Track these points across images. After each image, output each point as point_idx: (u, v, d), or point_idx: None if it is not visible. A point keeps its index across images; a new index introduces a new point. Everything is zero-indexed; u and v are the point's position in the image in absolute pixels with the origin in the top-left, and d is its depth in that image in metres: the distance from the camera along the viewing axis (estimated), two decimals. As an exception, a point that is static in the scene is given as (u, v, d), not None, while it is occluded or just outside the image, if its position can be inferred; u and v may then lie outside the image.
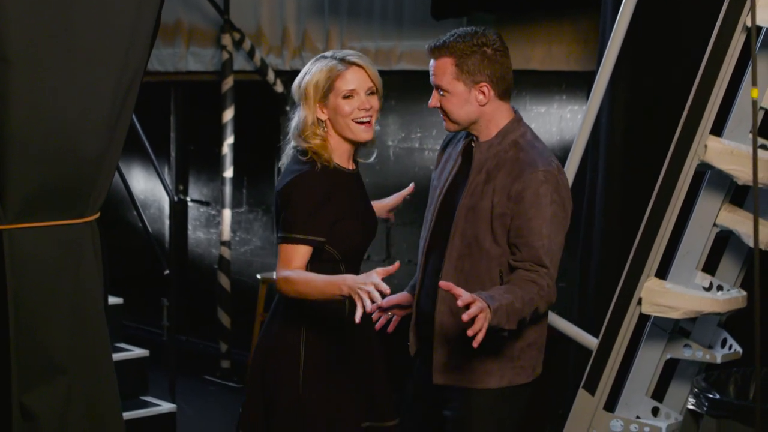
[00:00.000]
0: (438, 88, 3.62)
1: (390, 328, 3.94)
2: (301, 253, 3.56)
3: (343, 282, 3.36)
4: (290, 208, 3.57)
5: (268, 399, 3.67)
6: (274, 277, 3.62)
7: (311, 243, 3.56)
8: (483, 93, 3.60)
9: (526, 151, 3.61)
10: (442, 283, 3.33)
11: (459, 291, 3.27)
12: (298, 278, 3.50)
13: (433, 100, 3.65)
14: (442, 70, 3.59)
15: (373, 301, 3.24)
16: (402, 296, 3.93)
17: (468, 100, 3.60)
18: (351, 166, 3.74)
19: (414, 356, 3.86)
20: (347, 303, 3.61)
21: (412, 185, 4.14)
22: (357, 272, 3.72)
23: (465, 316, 3.24)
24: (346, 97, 3.61)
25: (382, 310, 3.88)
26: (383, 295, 3.30)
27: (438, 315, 3.64)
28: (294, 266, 3.54)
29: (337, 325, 3.69)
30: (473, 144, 3.71)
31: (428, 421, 3.84)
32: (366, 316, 3.59)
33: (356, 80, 3.62)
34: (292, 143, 3.70)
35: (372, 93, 3.65)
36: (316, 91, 3.62)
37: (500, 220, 3.56)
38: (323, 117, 3.65)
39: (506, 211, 3.55)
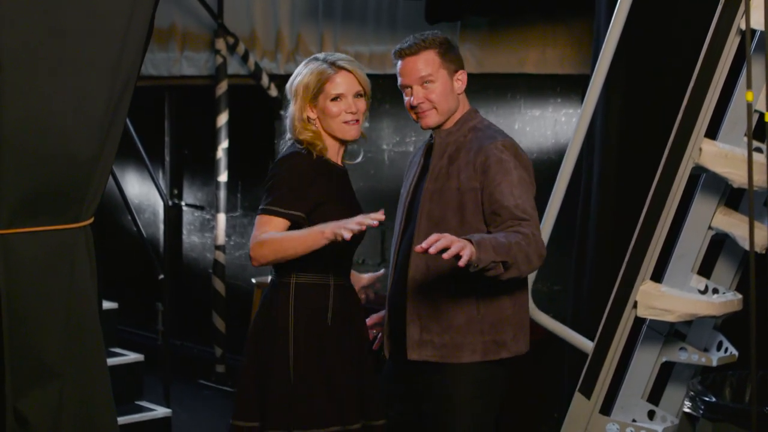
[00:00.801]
0: (422, 81, 3.75)
1: (375, 346, 4.01)
2: (276, 224, 3.62)
3: (324, 226, 3.46)
4: (274, 181, 3.68)
5: (260, 386, 3.72)
6: (249, 249, 3.66)
7: (289, 217, 3.64)
8: (460, 80, 3.82)
9: (483, 131, 3.80)
10: (417, 248, 3.35)
11: (432, 237, 3.31)
12: (273, 237, 3.57)
13: (417, 97, 3.76)
14: (427, 61, 3.75)
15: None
16: (382, 314, 4.01)
17: (451, 89, 3.80)
18: (340, 163, 3.85)
19: (389, 359, 3.93)
20: (330, 308, 3.71)
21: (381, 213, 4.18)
22: (348, 264, 3.83)
23: (434, 248, 3.28)
24: (333, 99, 3.75)
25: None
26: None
27: (410, 293, 3.73)
28: (267, 230, 3.61)
29: (325, 316, 3.74)
30: (432, 137, 3.86)
31: (404, 419, 3.90)
32: (355, 317, 3.78)
33: (345, 84, 3.75)
34: (288, 135, 3.82)
35: (359, 96, 3.79)
36: (306, 92, 3.76)
37: (471, 195, 3.69)
38: (312, 116, 3.78)
39: (475, 184, 3.68)
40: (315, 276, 3.72)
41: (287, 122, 3.82)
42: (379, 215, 3.42)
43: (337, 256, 3.73)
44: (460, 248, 3.29)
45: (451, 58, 3.79)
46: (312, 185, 3.67)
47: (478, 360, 3.72)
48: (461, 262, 3.30)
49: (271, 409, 3.69)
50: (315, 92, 3.74)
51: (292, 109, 3.79)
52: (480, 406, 3.75)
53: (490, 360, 3.73)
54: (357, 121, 3.76)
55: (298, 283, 3.72)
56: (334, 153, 3.81)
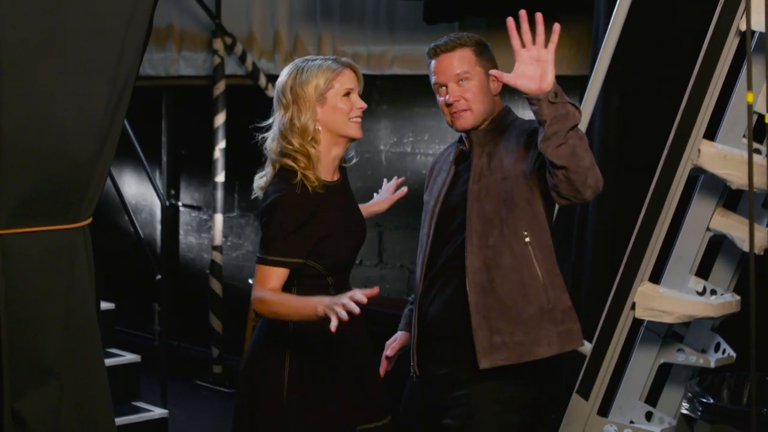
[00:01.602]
0: (458, 78, 3.65)
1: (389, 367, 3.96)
2: (278, 274, 3.52)
3: (319, 302, 3.32)
4: (269, 228, 3.53)
5: (253, 406, 3.65)
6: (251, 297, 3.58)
7: (288, 265, 3.53)
8: (496, 81, 3.68)
9: (521, 121, 3.72)
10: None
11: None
12: (273, 299, 3.48)
13: (452, 94, 3.65)
14: (462, 59, 3.66)
15: (349, 313, 3.21)
16: (403, 336, 3.95)
17: (488, 89, 3.69)
18: (336, 176, 3.70)
19: (417, 376, 3.80)
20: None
21: (404, 188, 4.13)
22: (346, 282, 3.71)
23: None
24: (345, 95, 3.60)
25: (389, 359, 3.93)
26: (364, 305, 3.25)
27: (471, 297, 3.57)
28: (269, 287, 3.51)
29: (322, 340, 3.60)
30: (466, 144, 3.75)
31: None
32: (354, 316, 3.57)
33: (353, 80, 3.63)
34: (274, 150, 3.62)
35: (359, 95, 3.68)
36: (317, 92, 3.57)
37: (519, 180, 3.57)
38: (317, 125, 3.60)
39: (522, 163, 3.56)
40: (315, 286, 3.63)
41: (275, 132, 3.62)
42: (373, 291, 3.26)
43: (336, 276, 3.66)
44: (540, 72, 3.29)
45: (487, 57, 3.71)
46: (309, 224, 3.53)
47: (555, 353, 3.58)
48: (547, 80, 3.27)
49: (262, 424, 3.63)
50: (324, 90, 3.56)
51: (302, 117, 3.56)
52: (505, 421, 3.64)
53: (566, 351, 3.61)
54: (360, 118, 3.62)
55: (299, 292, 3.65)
56: (330, 168, 3.65)
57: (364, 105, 3.64)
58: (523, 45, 3.34)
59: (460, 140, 3.80)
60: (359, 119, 3.63)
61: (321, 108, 3.57)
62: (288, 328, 3.61)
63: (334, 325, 3.22)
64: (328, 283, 3.62)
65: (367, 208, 4.05)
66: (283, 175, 3.57)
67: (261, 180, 3.70)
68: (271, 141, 3.65)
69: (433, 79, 3.70)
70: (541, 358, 3.56)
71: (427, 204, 3.80)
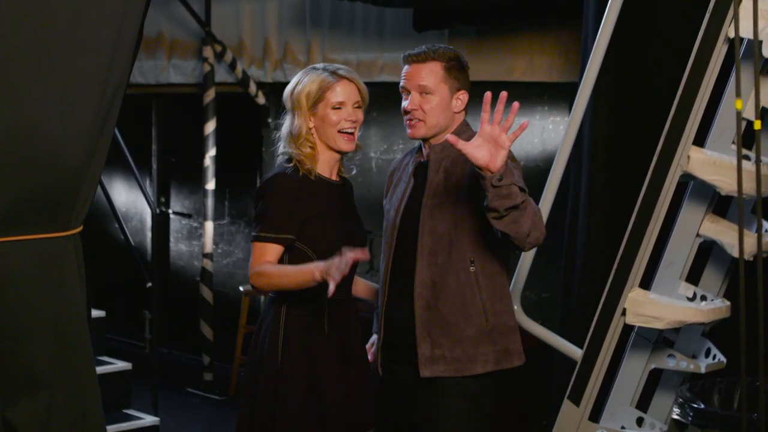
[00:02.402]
0: (421, 90, 3.75)
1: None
2: (271, 250, 3.68)
3: (315, 267, 3.47)
4: (261, 207, 3.71)
5: (255, 383, 3.75)
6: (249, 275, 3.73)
7: (280, 241, 3.67)
8: (460, 100, 3.81)
9: None
10: (449, 137, 3.41)
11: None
12: (270, 271, 3.63)
13: (412, 103, 3.75)
14: (430, 72, 3.75)
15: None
16: (378, 340, 3.97)
17: (448, 106, 3.78)
18: (334, 177, 3.84)
19: (383, 374, 3.90)
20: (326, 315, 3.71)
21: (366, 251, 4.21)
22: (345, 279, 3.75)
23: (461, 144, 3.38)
24: (334, 108, 3.75)
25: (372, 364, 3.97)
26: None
27: (417, 311, 3.72)
28: (264, 260, 3.66)
29: (318, 330, 3.74)
30: (424, 155, 3.85)
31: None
32: (349, 325, 3.78)
33: (346, 93, 3.76)
34: (281, 149, 3.81)
35: (358, 107, 3.80)
36: (308, 100, 3.75)
37: (468, 205, 3.68)
38: (311, 125, 3.77)
39: (474, 180, 3.62)
40: (310, 293, 3.67)
41: (283, 133, 3.81)
42: (365, 256, 3.45)
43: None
44: (494, 152, 3.36)
45: (457, 75, 3.78)
46: (297, 204, 3.68)
47: (491, 370, 3.72)
48: (498, 161, 3.34)
49: (258, 425, 3.70)
50: (315, 100, 3.74)
51: (296, 121, 3.77)
52: (469, 420, 3.73)
53: (502, 369, 3.74)
54: (353, 131, 3.78)
55: (292, 300, 3.73)
56: (327, 168, 3.80)
57: (355, 118, 3.78)
58: (491, 121, 3.39)
59: (419, 150, 3.90)
60: (350, 132, 3.78)
61: (314, 117, 3.77)
62: (287, 326, 3.72)
63: (331, 289, 3.39)
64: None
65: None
66: (283, 164, 3.78)
67: None
68: (284, 139, 3.83)
69: (401, 83, 3.81)
70: (478, 374, 3.70)
71: (388, 213, 3.91)
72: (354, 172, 3.96)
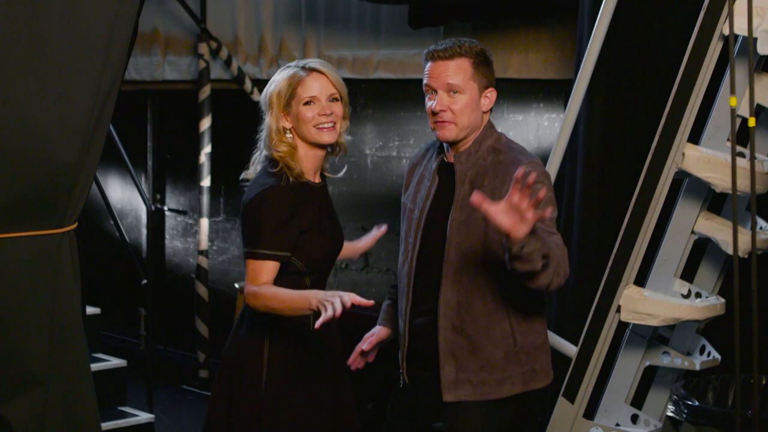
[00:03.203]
0: (450, 89, 3.56)
1: (370, 358, 3.92)
2: (269, 268, 3.55)
3: (313, 296, 3.36)
4: (257, 222, 3.56)
5: (231, 402, 3.66)
6: (244, 291, 3.61)
7: (278, 258, 3.55)
8: (488, 98, 3.63)
9: (505, 153, 3.61)
10: (474, 199, 3.18)
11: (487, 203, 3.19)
12: (266, 294, 3.51)
13: (440, 103, 3.56)
14: (458, 69, 3.56)
15: (336, 312, 3.25)
16: (380, 331, 3.90)
17: (477, 105, 3.60)
18: (317, 179, 3.72)
19: (408, 381, 3.78)
20: (311, 316, 3.56)
21: (384, 227, 4.12)
22: (323, 284, 3.72)
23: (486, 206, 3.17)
24: (306, 103, 3.61)
25: (364, 354, 3.87)
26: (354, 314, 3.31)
27: (441, 332, 3.59)
28: (261, 281, 3.54)
29: (301, 334, 3.67)
30: (448, 157, 3.68)
31: None
32: (333, 334, 3.67)
33: (317, 87, 3.62)
34: (264, 153, 3.69)
35: (335, 99, 3.65)
36: (279, 100, 3.63)
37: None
38: (287, 125, 3.64)
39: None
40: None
41: (262, 135, 3.67)
42: (368, 302, 3.27)
43: (314, 276, 3.68)
44: (518, 221, 3.15)
45: (485, 72, 3.60)
46: (292, 220, 3.57)
47: (518, 392, 3.60)
48: (520, 232, 3.14)
49: (239, 422, 3.65)
50: (288, 98, 3.61)
51: (267, 121, 3.65)
52: (492, 421, 3.63)
53: (530, 390, 3.63)
54: (333, 125, 3.63)
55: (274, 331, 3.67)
56: (311, 169, 3.68)
57: (330, 111, 3.62)
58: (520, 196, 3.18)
59: (440, 148, 3.73)
60: (326, 126, 3.62)
61: (289, 116, 3.63)
62: (267, 324, 3.63)
63: (320, 321, 3.26)
64: (306, 283, 3.64)
65: (354, 246, 4.07)
66: (267, 168, 3.64)
67: (249, 171, 3.77)
68: (263, 143, 3.70)
69: (425, 81, 3.62)
70: (503, 397, 3.59)
71: (411, 212, 3.74)
72: (342, 173, 3.83)
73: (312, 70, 3.63)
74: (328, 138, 3.63)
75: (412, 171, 3.85)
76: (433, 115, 3.59)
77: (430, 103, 3.61)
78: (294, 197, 3.57)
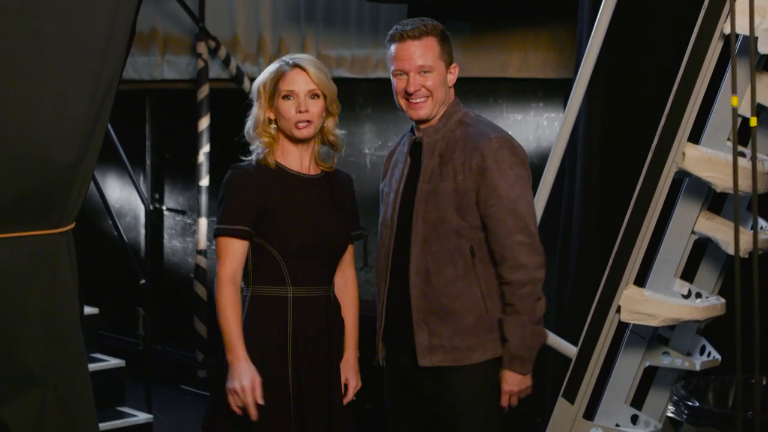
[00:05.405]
0: (422, 69, 3.64)
1: None
2: (232, 246, 3.61)
3: (237, 375, 3.51)
4: (220, 201, 3.67)
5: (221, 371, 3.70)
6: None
7: (237, 233, 3.59)
8: (452, 74, 3.74)
9: (473, 126, 3.71)
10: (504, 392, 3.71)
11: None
12: (224, 304, 3.57)
13: (413, 84, 3.65)
14: (428, 48, 3.65)
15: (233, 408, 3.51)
16: None
17: (445, 81, 3.71)
18: (309, 170, 3.75)
19: (383, 363, 3.87)
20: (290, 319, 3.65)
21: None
22: (304, 273, 3.69)
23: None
24: (285, 97, 3.67)
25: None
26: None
27: (413, 300, 3.67)
28: (228, 261, 3.59)
29: (278, 325, 3.67)
30: (417, 133, 3.76)
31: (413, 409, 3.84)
32: (326, 329, 3.71)
33: (296, 82, 3.66)
34: (248, 140, 3.78)
35: (315, 96, 3.68)
36: (264, 91, 3.70)
37: (467, 196, 3.62)
38: (272, 116, 3.72)
39: (471, 186, 3.61)
40: (273, 287, 3.67)
41: (248, 123, 3.74)
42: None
43: (291, 263, 3.67)
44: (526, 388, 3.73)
45: (448, 49, 3.70)
46: (250, 194, 3.62)
47: (489, 358, 3.68)
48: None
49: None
50: (271, 90, 3.67)
51: (254, 110, 3.72)
52: (487, 409, 3.72)
53: (499, 356, 3.70)
54: (308, 122, 3.65)
55: (254, 296, 3.68)
56: (295, 160, 3.72)
57: (304, 108, 3.65)
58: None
59: (411, 130, 3.82)
60: (300, 122, 3.66)
61: (272, 109, 3.70)
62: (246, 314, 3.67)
63: (232, 403, 3.51)
64: (284, 274, 3.65)
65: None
66: (240, 157, 3.77)
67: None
68: (246, 131, 3.80)
69: (392, 66, 3.69)
70: (476, 363, 3.68)
71: (387, 196, 3.83)
72: (334, 165, 3.84)
73: (295, 65, 3.68)
74: (300, 134, 3.68)
75: (389, 159, 3.96)
76: (407, 96, 3.67)
77: (400, 85, 3.68)
78: (259, 177, 3.65)
